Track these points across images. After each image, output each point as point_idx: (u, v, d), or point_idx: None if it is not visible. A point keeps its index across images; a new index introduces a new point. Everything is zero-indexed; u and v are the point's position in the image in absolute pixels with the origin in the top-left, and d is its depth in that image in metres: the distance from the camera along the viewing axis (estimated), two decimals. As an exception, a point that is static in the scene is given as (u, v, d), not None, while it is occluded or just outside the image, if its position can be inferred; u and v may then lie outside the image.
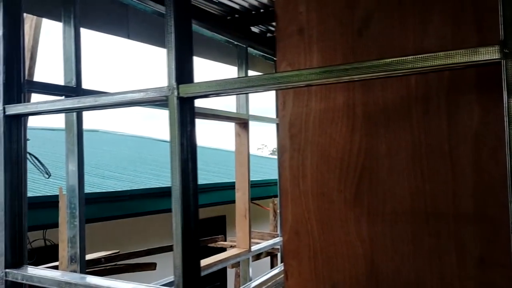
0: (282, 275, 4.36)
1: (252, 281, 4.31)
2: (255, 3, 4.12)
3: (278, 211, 5.39)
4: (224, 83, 1.54)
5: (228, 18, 4.35)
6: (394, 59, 1.19)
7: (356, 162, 1.52)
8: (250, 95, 4.56)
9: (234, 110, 4.50)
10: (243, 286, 4.37)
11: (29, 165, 2.86)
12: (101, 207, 5.06)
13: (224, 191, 6.72)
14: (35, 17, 2.94)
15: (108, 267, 3.94)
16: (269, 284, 4.11)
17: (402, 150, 1.43)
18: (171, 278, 3.74)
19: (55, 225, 3.42)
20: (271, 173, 9.21)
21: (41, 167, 3.18)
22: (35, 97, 2.75)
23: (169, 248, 5.36)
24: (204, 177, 7.53)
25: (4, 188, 2.10)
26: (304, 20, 1.65)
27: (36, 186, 5.10)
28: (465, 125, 1.33)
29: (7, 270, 2.09)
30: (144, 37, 3.81)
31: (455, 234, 1.34)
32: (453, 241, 1.34)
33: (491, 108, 1.29)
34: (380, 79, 1.44)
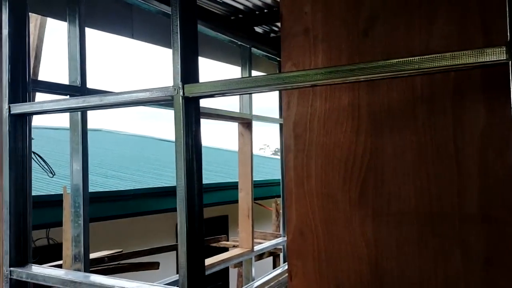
0: (285, 275, 4.36)
1: (255, 281, 4.31)
2: (259, 3, 4.12)
3: (281, 211, 5.39)
4: (230, 83, 1.54)
5: (232, 18, 4.35)
6: (400, 59, 1.19)
7: (361, 162, 1.52)
8: (253, 95, 4.56)
9: (237, 110, 4.51)
10: (246, 286, 4.37)
11: (33, 164, 2.86)
12: (104, 206, 5.07)
13: (226, 191, 6.73)
14: (39, 16, 2.95)
15: (111, 266, 3.95)
16: (272, 284, 4.11)
17: (407, 150, 1.43)
18: (173, 278, 3.75)
19: (59, 224, 3.43)
20: (273, 173, 9.21)
21: (45, 166, 3.19)
22: (40, 96, 2.76)
23: (172, 248, 5.38)
24: (206, 177, 7.53)
25: (9, 186, 2.11)
26: (310, 20, 1.65)
27: (39, 185, 5.12)
28: (471, 126, 1.33)
29: (11, 268, 2.09)
30: (148, 37, 3.82)
31: (461, 235, 1.34)
32: (458, 242, 1.34)
33: (497, 109, 1.29)
34: (385, 79, 1.43)
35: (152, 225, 7.22)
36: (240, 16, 4.35)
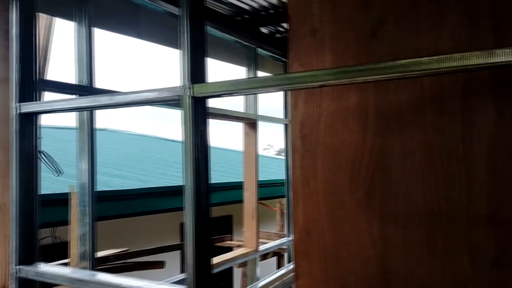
0: (290, 275, 4.36)
1: (260, 280, 4.32)
2: (265, 3, 4.12)
3: (286, 211, 5.39)
4: (238, 83, 1.55)
5: (238, 18, 4.36)
6: (409, 60, 1.19)
7: (368, 163, 1.52)
8: (258, 95, 4.57)
9: (240, 110, 4.51)
10: (250, 285, 4.37)
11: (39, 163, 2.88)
12: (109, 205, 5.09)
13: (231, 191, 6.74)
14: (47, 16, 2.96)
15: (117, 265, 3.97)
16: (276, 284, 4.11)
17: (415, 151, 1.43)
18: (178, 277, 3.76)
19: (64, 222, 3.44)
20: (277, 174, 9.21)
21: (53, 165, 3.21)
22: (47, 96, 2.77)
23: (177, 247, 5.40)
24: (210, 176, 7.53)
25: (16, 185, 2.12)
26: (317, 21, 1.66)
27: (45, 184, 5.14)
28: (480, 126, 1.33)
29: (19, 266, 2.11)
30: (155, 37, 3.83)
31: (469, 236, 1.34)
32: (466, 243, 1.34)
33: (507, 110, 1.29)
34: (394, 80, 1.44)
35: (157, 225, 7.24)
36: (246, 16, 4.35)
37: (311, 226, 1.64)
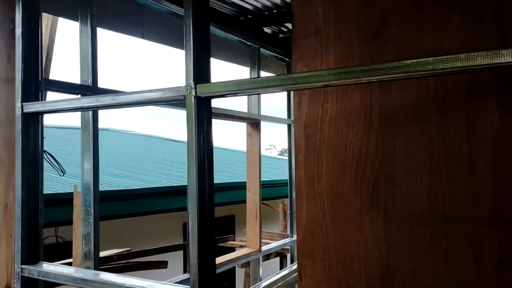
0: (293, 276, 4.36)
1: (262, 281, 4.31)
2: (268, 3, 4.12)
3: (288, 211, 5.39)
4: (242, 83, 1.55)
5: (241, 18, 4.36)
6: (414, 60, 1.19)
7: (372, 163, 1.52)
8: (261, 95, 4.57)
9: (243, 110, 4.51)
10: (253, 286, 4.37)
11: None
12: (112, 205, 5.10)
13: (233, 191, 6.74)
14: (51, 16, 2.97)
15: (120, 265, 3.97)
16: (279, 284, 4.11)
17: (420, 152, 1.43)
18: (181, 277, 3.76)
19: (67, 222, 3.45)
20: (280, 174, 9.22)
21: (56, 165, 3.22)
22: (50, 96, 2.78)
23: (180, 247, 5.40)
24: (213, 176, 7.53)
25: (20, 185, 2.13)
26: (321, 21, 1.66)
27: (48, 183, 5.16)
28: (485, 127, 1.32)
29: (23, 266, 2.11)
30: (158, 37, 3.84)
31: (473, 237, 1.34)
32: (471, 244, 1.34)
33: (511, 110, 1.28)
34: (398, 80, 1.43)
35: (160, 224, 7.25)
36: (249, 16, 4.35)
37: (315, 226, 1.64)
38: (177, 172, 8.04)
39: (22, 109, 2.12)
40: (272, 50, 4.82)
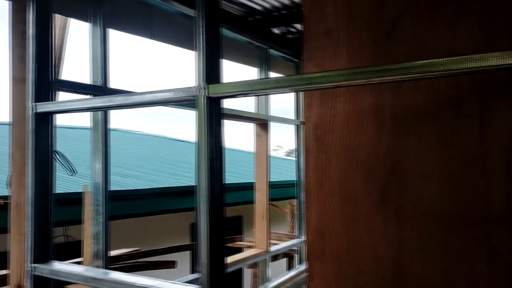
0: (300, 277, 4.35)
1: (270, 281, 4.31)
2: (277, 4, 4.12)
3: (296, 212, 5.38)
4: (253, 83, 1.55)
5: (249, 19, 4.36)
6: (427, 61, 1.19)
7: (383, 164, 1.52)
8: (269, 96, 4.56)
9: (250, 110, 4.51)
10: (261, 286, 4.37)
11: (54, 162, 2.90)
12: (120, 205, 5.12)
13: (240, 192, 6.74)
14: (62, 17, 3.00)
15: (129, 264, 3.99)
16: (287, 285, 4.10)
17: (432, 153, 1.42)
18: (189, 277, 3.77)
19: (77, 222, 3.47)
20: (287, 175, 9.19)
21: (67, 164, 3.24)
22: (61, 96, 2.80)
23: (188, 247, 5.42)
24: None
25: (32, 184, 2.15)
26: (332, 21, 1.65)
27: (57, 183, 5.18)
28: (498, 128, 1.31)
29: (34, 264, 2.13)
30: (167, 38, 3.85)
31: (486, 239, 1.33)
32: (483, 246, 1.33)
33: (525, 111, 1.27)
34: (410, 81, 1.43)
35: (167, 224, 7.26)
36: (258, 17, 4.36)
37: (325, 227, 1.63)
38: (185, 173, 8.06)
39: (34, 109, 2.14)
40: (281, 50, 4.82)
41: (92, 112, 2.76)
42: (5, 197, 3.63)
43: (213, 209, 1.62)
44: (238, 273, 8.32)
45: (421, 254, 1.43)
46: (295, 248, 5.37)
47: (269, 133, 4.42)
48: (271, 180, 4.53)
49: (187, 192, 5.82)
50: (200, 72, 1.63)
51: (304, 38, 1.72)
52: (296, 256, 5.77)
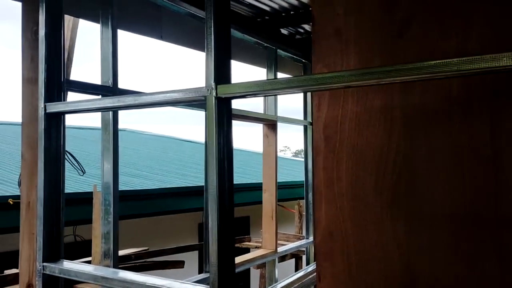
0: (308, 278, 4.34)
1: (278, 282, 4.31)
2: (285, 5, 4.12)
3: (304, 213, 5.37)
4: (263, 84, 1.55)
5: (258, 20, 4.37)
6: (438, 61, 1.18)
7: (393, 165, 1.51)
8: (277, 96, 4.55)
9: (258, 111, 4.50)
10: (269, 287, 4.37)
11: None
12: (129, 205, 5.15)
13: (248, 192, 6.75)
14: (72, 18, 3.02)
15: (137, 264, 4.01)
16: (295, 285, 4.10)
17: (442, 153, 1.42)
18: (197, 277, 3.77)
19: (86, 221, 3.49)
20: (295, 175, 9.19)
21: (77, 164, 3.27)
22: (71, 96, 2.82)
23: (196, 247, 5.43)
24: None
25: (43, 184, 2.16)
26: (342, 22, 1.65)
27: (66, 183, 5.23)
28: (509, 128, 1.31)
29: (44, 263, 2.14)
30: (177, 38, 3.87)
31: (497, 240, 1.32)
32: (494, 247, 1.32)
33: (537, 112, 1.27)
34: (420, 81, 1.42)
35: (175, 224, 7.29)
36: (266, 17, 4.36)
37: (334, 228, 1.63)
38: (192, 173, 8.09)
39: (45, 109, 2.16)
40: (289, 51, 4.81)
41: (102, 113, 2.78)
42: (16, 197, 3.67)
43: (222, 209, 1.62)
44: (246, 273, 8.33)
45: (431, 255, 1.42)
46: (303, 249, 5.36)
47: (277, 134, 4.42)
48: (278, 181, 4.53)
49: (195, 192, 5.84)
50: (209, 72, 1.63)
51: (314, 38, 1.72)
52: (304, 257, 5.76)
